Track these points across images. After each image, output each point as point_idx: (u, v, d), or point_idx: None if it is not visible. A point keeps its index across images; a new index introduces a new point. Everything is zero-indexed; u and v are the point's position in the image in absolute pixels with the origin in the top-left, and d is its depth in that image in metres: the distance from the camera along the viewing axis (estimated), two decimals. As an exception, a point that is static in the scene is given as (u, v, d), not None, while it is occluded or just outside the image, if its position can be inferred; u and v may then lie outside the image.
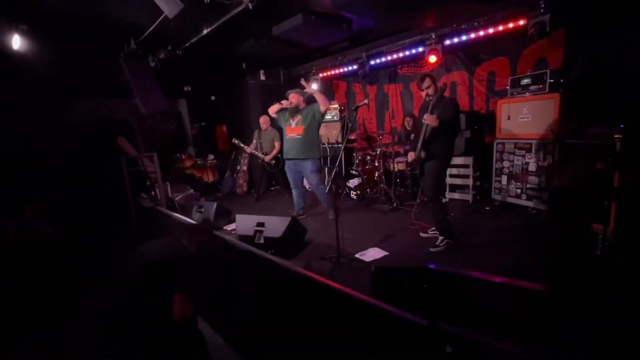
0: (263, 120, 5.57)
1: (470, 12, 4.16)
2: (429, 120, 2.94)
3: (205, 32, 4.28)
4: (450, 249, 3.13)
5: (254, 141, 5.66)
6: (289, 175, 4.47)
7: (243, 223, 3.47)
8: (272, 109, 4.34)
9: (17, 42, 3.44)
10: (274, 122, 5.43)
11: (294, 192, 4.55)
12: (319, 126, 4.29)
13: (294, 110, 4.22)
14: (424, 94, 3.15)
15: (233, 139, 5.72)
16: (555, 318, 1.02)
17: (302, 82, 4.26)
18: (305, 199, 4.69)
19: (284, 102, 4.20)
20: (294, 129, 4.22)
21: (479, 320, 1.10)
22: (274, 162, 5.61)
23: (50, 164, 5.22)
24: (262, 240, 3.25)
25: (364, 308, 1.21)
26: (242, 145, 5.63)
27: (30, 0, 3.40)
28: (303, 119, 4.19)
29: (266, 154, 5.56)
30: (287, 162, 4.44)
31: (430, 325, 1.08)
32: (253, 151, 5.60)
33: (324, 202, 4.41)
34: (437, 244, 3.18)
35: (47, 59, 4.27)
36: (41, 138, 5.22)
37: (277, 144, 5.56)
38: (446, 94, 4.39)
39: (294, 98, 4.17)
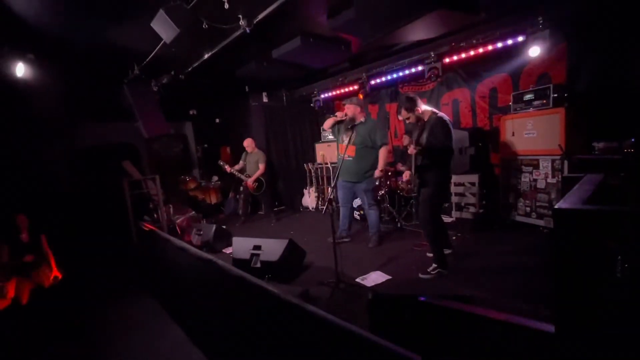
0: (247, 144, 5.58)
1: (468, 31, 4.15)
2: (411, 151, 2.95)
3: (206, 56, 4.36)
4: (441, 277, 2.96)
5: (241, 162, 5.62)
6: (340, 193, 4.03)
7: (239, 246, 3.37)
8: (327, 124, 3.90)
9: (21, 70, 3.53)
10: (259, 144, 5.51)
11: (342, 210, 4.13)
12: (376, 147, 3.78)
13: (348, 124, 3.71)
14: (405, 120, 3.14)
15: (219, 161, 5.70)
16: None
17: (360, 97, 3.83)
18: (352, 222, 4.29)
19: (338, 114, 3.77)
20: (345, 149, 3.56)
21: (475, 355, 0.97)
22: (256, 184, 5.48)
23: (57, 188, 5.28)
24: (258, 265, 3.13)
25: (349, 338, 1.09)
26: (223, 165, 5.59)
27: (37, 31, 3.52)
28: (356, 136, 3.64)
29: (249, 177, 5.47)
30: (340, 181, 3.91)
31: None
32: (233, 172, 5.49)
33: (373, 226, 3.94)
34: (428, 270, 3.00)
35: (54, 86, 4.40)
36: (48, 162, 5.31)
37: (261, 166, 5.44)
38: (447, 112, 4.32)
39: (349, 110, 3.73)
